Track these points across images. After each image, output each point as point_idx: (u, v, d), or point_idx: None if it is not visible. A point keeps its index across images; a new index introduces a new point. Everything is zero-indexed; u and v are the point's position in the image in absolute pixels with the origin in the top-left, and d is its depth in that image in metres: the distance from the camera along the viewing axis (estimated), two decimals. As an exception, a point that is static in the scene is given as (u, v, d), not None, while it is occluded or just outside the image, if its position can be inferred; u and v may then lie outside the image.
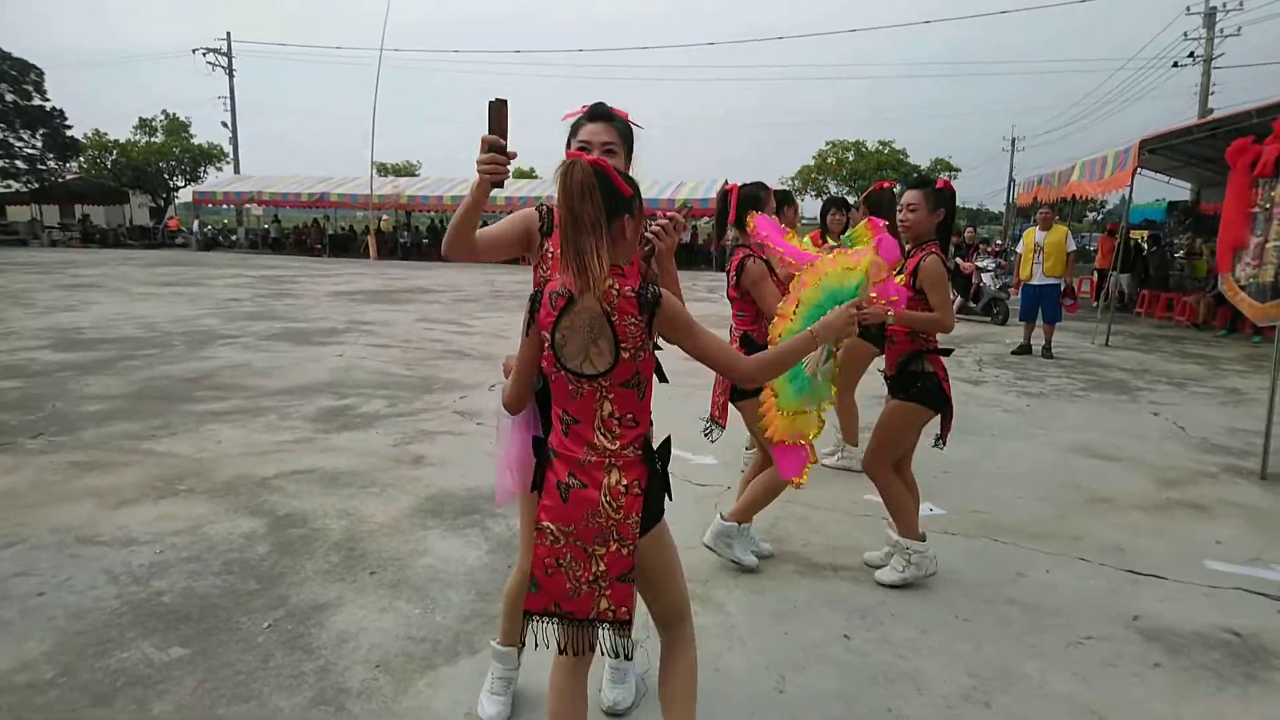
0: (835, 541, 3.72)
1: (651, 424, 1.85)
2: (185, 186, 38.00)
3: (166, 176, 38.47)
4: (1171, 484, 4.72)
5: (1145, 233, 21.63)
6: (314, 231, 31.46)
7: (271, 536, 3.60)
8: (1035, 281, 9.32)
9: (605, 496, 1.70)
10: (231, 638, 2.74)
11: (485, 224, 2.09)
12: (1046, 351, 9.43)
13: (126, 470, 4.44)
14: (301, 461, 4.66)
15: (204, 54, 36.72)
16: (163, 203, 39.02)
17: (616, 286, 1.68)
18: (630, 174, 2.04)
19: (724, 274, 3.68)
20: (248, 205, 30.69)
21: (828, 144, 36.24)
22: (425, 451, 4.91)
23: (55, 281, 15.64)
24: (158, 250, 30.29)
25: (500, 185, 1.88)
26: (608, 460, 1.72)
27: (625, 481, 1.71)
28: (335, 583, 3.17)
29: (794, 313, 2.20)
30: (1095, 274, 15.57)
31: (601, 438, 1.72)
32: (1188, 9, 24.95)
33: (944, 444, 3.36)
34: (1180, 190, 19.69)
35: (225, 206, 32.62)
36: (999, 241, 23.27)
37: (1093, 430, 5.95)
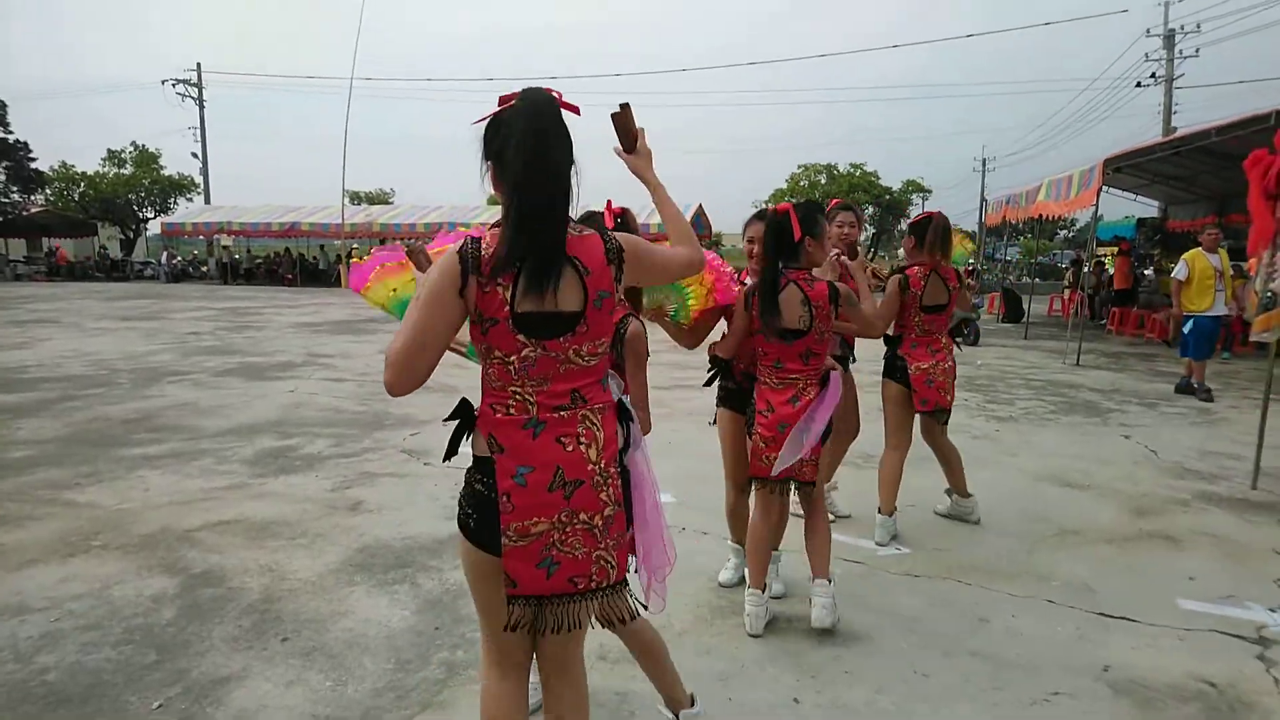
0: (792, 589, 3.49)
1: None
2: (155, 218, 37.49)
3: (136, 208, 37.93)
4: (1143, 513, 4.56)
5: (1114, 249, 21.80)
6: (285, 261, 31.08)
7: (182, 598, 3.32)
8: (1216, 312, 8.11)
9: None
10: (114, 722, 2.47)
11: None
12: (1202, 389, 8.16)
13: (38, 525, 4.14)
14: (230, 510, 4.38)
15: (174, 85, 36.44)
16: (131, 234, 38.46)
17: None
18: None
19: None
20: (217, 236, 30.25)
21: (800, 167, 36.51)
22: (364, 496, 4.65)
23: (10, 317, 15.21)
24: (125, 283, 29.75)
25: None
26: None
27: None
28: (242, 651, 2.90)
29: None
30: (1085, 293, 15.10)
31: None
32: (1148, 31, 25.42)
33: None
34: (1148, 207, 19.89)
35: (196, 237, 32.21)
36: (971, 262, 23.36)
37: (1062, 456, 5.80)
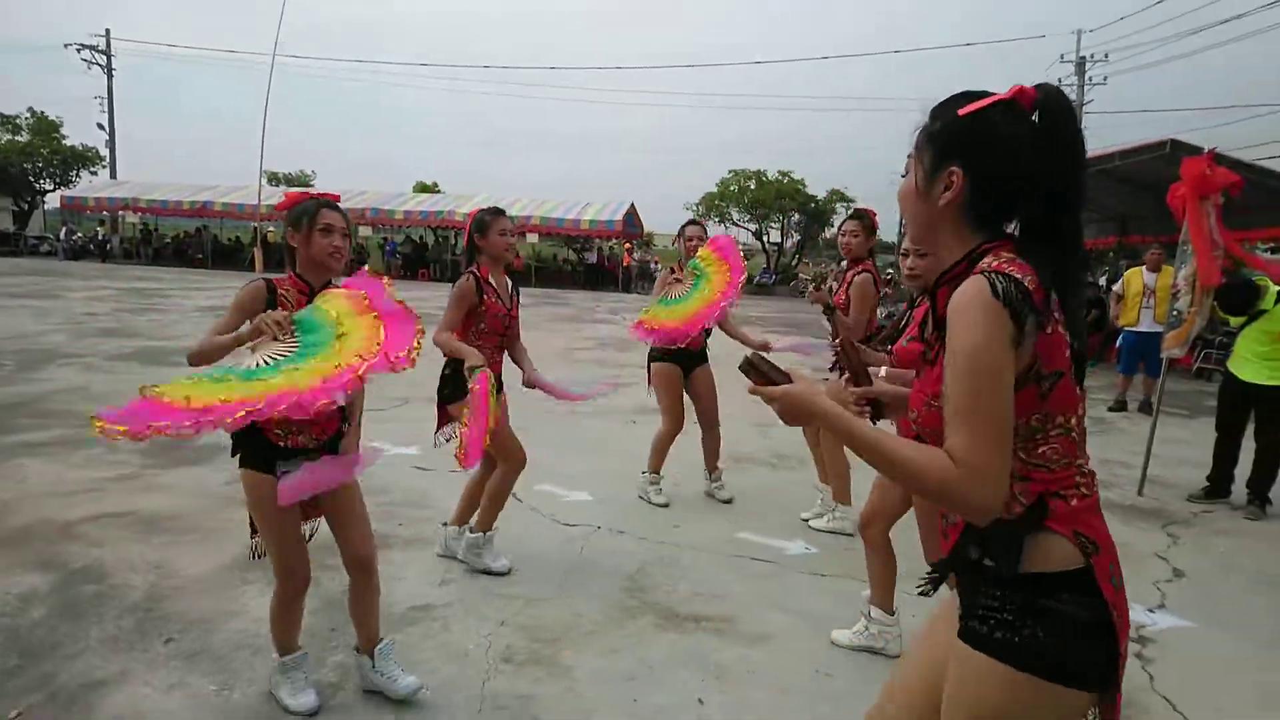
0: (702, 587, 3.50)
1: None
2: (54, 191, 35.26)
3: (32, 179, 35.55)
4: (1040, 517, 4.75)
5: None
6: (196, 241, 29.69)
7: (55, 596, 3.10)
8: (1143, 328, 8.26)
9: None
10: (-34, 732, 2.27)
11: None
12: (1147, 406, 8.19)
13: (-103, 516, 3.81)
14: (117, 503, 4.12)
15: (78, 50, 34.30)
16: (26, 207, 36.05)
17: None
18: None
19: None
20: (122, 212, 28.62)
21: (731, 172, 36.87)
22: (266, 490, 4.45)
23: (-119, 290, 14.03)
24: (18, 259, 27.83)
25: None
26: None
27: None
28: (121, 654, 2.73)
29: None
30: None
31: None
32: (1061, 57, 26.77)
33: None
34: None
35: (99, 213, 30.41)
36: (890, 271, 24.10)
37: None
